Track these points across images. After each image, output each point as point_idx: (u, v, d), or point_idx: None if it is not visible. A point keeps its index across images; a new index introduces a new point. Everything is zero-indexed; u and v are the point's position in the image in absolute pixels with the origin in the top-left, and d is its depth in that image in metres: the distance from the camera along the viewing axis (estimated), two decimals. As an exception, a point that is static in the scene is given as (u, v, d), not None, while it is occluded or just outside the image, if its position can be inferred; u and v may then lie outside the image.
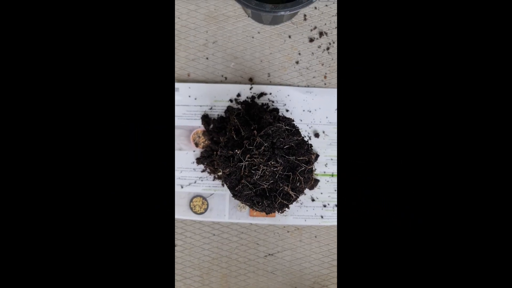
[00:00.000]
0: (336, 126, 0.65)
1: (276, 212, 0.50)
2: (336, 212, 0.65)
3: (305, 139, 0.58)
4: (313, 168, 0.63)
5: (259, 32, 0.65)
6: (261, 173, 0.48)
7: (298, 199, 0.52)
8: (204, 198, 0.64)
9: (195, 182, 0.64)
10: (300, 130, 0.53)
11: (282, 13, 0.47)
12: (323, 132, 0.65)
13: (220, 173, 0.63)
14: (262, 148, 0.48)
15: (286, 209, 0.50)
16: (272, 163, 0.48)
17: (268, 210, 0.48)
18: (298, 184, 0.48)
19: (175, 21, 0.65)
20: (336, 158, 0.65)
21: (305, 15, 0.65)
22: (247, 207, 0.63)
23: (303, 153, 0.49)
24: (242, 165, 0.47)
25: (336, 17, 0.65)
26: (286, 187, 0.48)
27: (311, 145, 0.54)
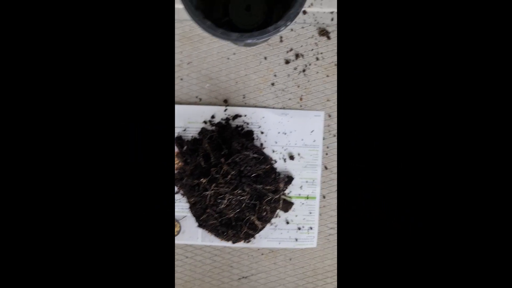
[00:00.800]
0: (311, 148, 0.65)
1: (246, 242, 0.50)
2: (310, 234, 0.65)
3: (275, 165, 0.57)
4: (284, 193, 0.62)
5: (234, 53, 0.65)
6: (227, 202, 0.47)
7: (270, 223, 0.51)
8: (176, 221, 0.64)
9: (168, 204, 0.64)
10: (270, 156, 0.52)
11: (249, 41, 0.47)
12: (298, 154, 0.64)
13: (193, 195, 0.62)
14: (229, 176, 0.48)
15: (252, 239, 0.49)
16: (239, 191, 0.47)
17: (234, 240, 0.48)
18: (264, 214, 0.48)
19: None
20: (311, 181, 0.64)
21: (281, 37, 0.65)
22: (221, 230, 0.63)
23: (270, 182, 0.48)
24: (208, 194, 0.47)
25: (312, 39, 0.65)
26: (252, 217, 0.47)
27: (279, 174, 0.53)
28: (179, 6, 0.52)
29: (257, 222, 0.47)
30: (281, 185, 0.50)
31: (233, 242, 0.49)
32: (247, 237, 0.48)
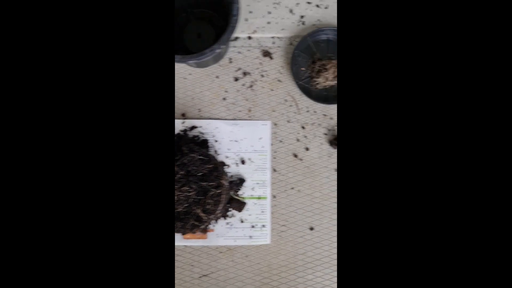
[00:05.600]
0: (260, 153, 0.73)
1: (193, 232, 0.56)
2: (264, 232, 0.71)
3: (228, 169, 0.64)
4: (238, 194, 0.69)
5: (190, 74, 0.74)
6: (176, 198, 0.54)
7: (215, 219, 0.57)
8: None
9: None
10: (214, 156, 0.60)
11: (190, 61, 0.56)
12: (249, 159, 0.72)
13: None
14: (177, 175, 0.55)
15: (197, 229, 0.55)
16: (186, 188, 0.55)
17: (182, 231, 0.54)
18: (208, 207, 0.54)
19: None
20: (261, 182, 0.72)
21: (230, 59, 0.75)
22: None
23: (213, 179, 0.56)
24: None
25: (257, 60, 0.75)
26: (197, 210, 0.54)
27: (222, 171, 0.60)
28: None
29: (201, 214, 0.53)
30: (224, 181, 0.57)
31: (182, 234, 0.55)
32: (193, 227, 0.54)
